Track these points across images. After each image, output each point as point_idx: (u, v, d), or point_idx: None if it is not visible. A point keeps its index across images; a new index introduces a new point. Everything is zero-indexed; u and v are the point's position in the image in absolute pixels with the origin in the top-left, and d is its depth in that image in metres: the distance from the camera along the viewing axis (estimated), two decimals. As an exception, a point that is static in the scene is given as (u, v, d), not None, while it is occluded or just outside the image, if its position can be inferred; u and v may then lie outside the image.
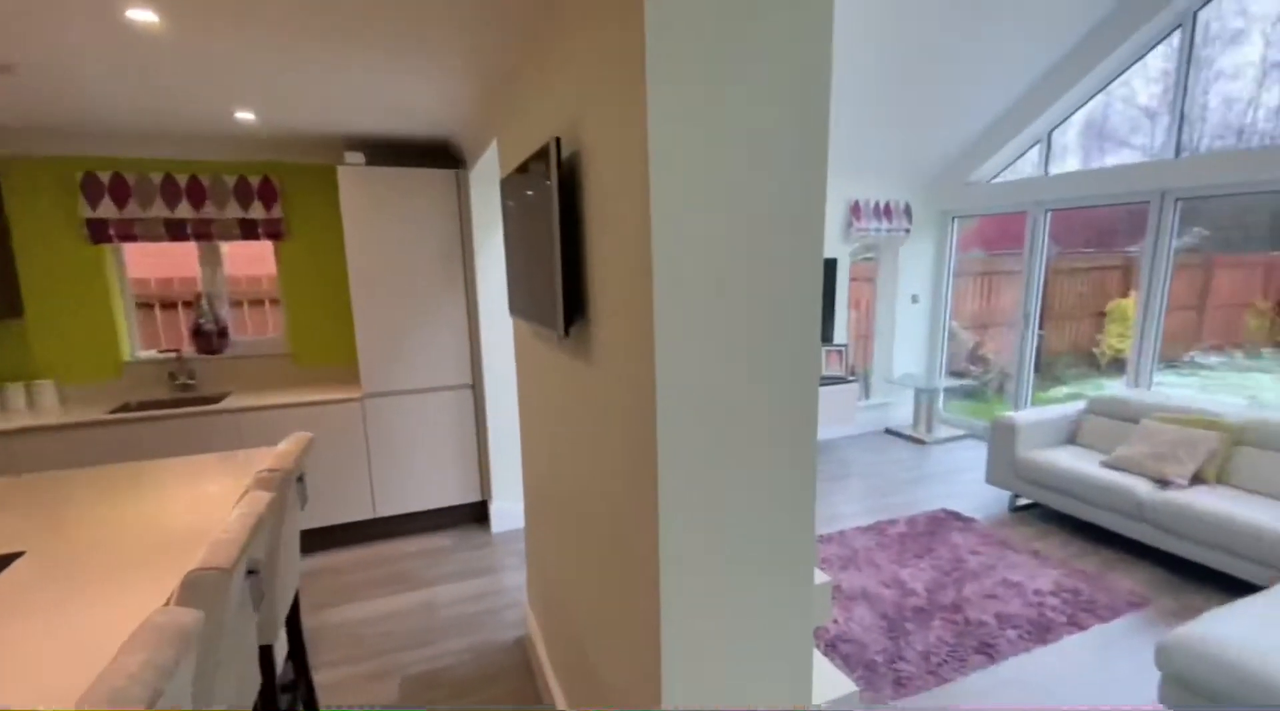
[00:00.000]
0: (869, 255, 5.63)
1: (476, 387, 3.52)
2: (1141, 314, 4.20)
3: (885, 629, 2.64)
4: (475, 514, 3.71)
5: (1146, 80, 4.13)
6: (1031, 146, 4.75)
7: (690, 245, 1.00)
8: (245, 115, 2.72)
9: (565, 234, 1.38)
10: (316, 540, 3.39)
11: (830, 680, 1.54)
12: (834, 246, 5.05)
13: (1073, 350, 5.66)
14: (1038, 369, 5.28)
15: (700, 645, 1.13)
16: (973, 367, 5.93)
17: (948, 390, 5.60)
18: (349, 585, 3.06)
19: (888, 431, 5.55)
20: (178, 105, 2.56)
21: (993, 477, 3.95)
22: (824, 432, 5.32)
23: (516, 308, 1.93)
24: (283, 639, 2.26)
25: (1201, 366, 5.09)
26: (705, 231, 1.01)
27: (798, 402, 1.13)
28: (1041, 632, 2.61)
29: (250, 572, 1.50)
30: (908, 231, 5.25)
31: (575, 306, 1.42)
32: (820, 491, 4.14)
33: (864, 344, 5.79)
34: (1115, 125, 4.37)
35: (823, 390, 4.81)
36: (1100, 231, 5.14)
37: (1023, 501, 3.92)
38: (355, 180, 3.14)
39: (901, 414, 5.67)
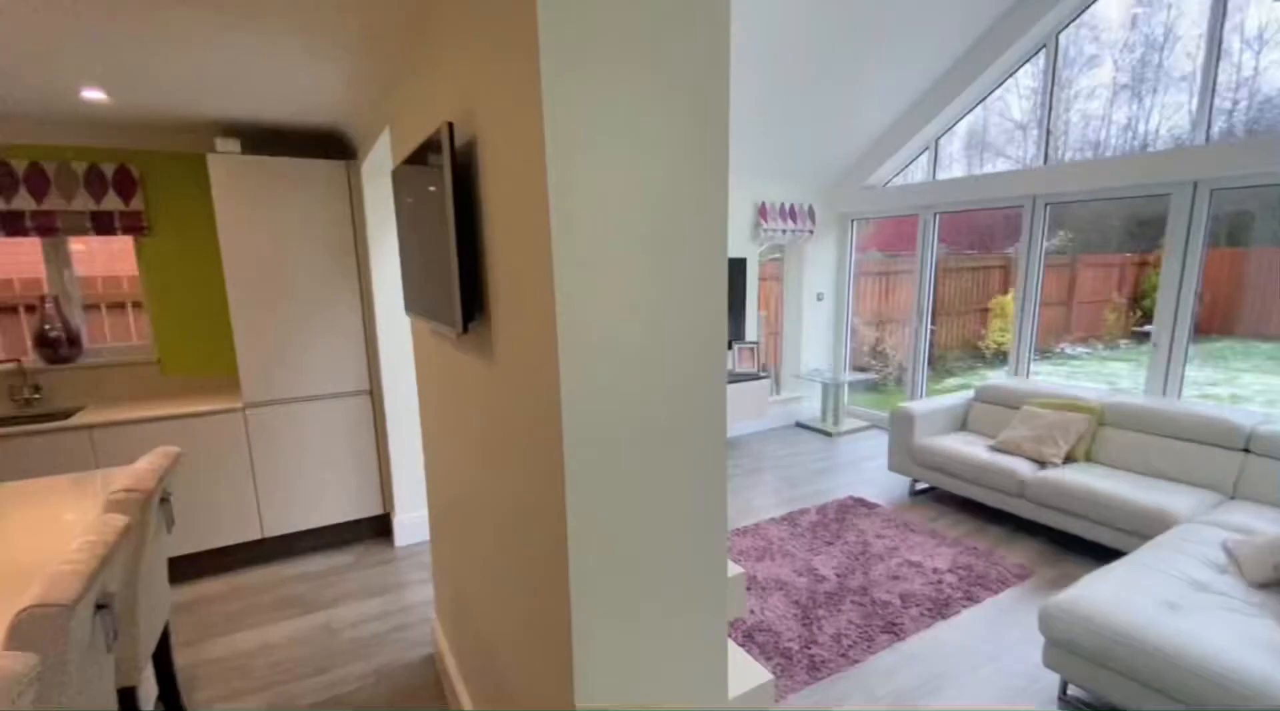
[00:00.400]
0: (776, 255, 5.81)
1: (375, 393, 3.31)
2: (1019, 309, 4.56)
3: (799, 616, 2.70)
4: (378, 528, 3.49)
5: (1019, 97, 4.51)
6: (920, 153, 5.06)
7: (591, 238, 0.96)
8: (94, 94, 2.42)
9: (461, 225, 1.29)
10: (194, 567, 3.07)
11: (746, 670, 1.53)
12: (743, 246, 5.17)
13: (962, 344, 6.10)
14: (931, 362, 5.64)
15: (612, 645, 1.09)
16: (874, 362, 6.26)
17: (852, 384, 5.87)
18: (234, 613, 2.79)
19: (798, 425, 5.74)
20: (8, 79, 2.23)
21: (894, 465, 4.16)
22: (738, 428, 5.43)
23: (413, 306, 1.81)
24: (150, 679, 2.01)
25: (1071, 356, 5.62)
26: (607, 223, 0.96)
27: (706, 399, 1.10)
28: (941, 608, 2.75)
29: (100, 607, 1.31)
30: (811, 232, 5.46)
31: (474, 302, 1.34)
32: (736, 486, 4.25)
33: (774, 341, 5.97)
34: (994, 137, 4.75)
35: (736, 387, 4.92)
36: (983, 234, 5.57)
37: (921, 486, 4.15)
38: (230, 171, 2.86)
39: (810, 408, 5.89)
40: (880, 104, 4.67)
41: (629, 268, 0.99)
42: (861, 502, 3.92)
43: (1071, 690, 2.23)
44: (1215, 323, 4.35)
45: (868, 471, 4.51)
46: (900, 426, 4.07)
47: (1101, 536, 3.10)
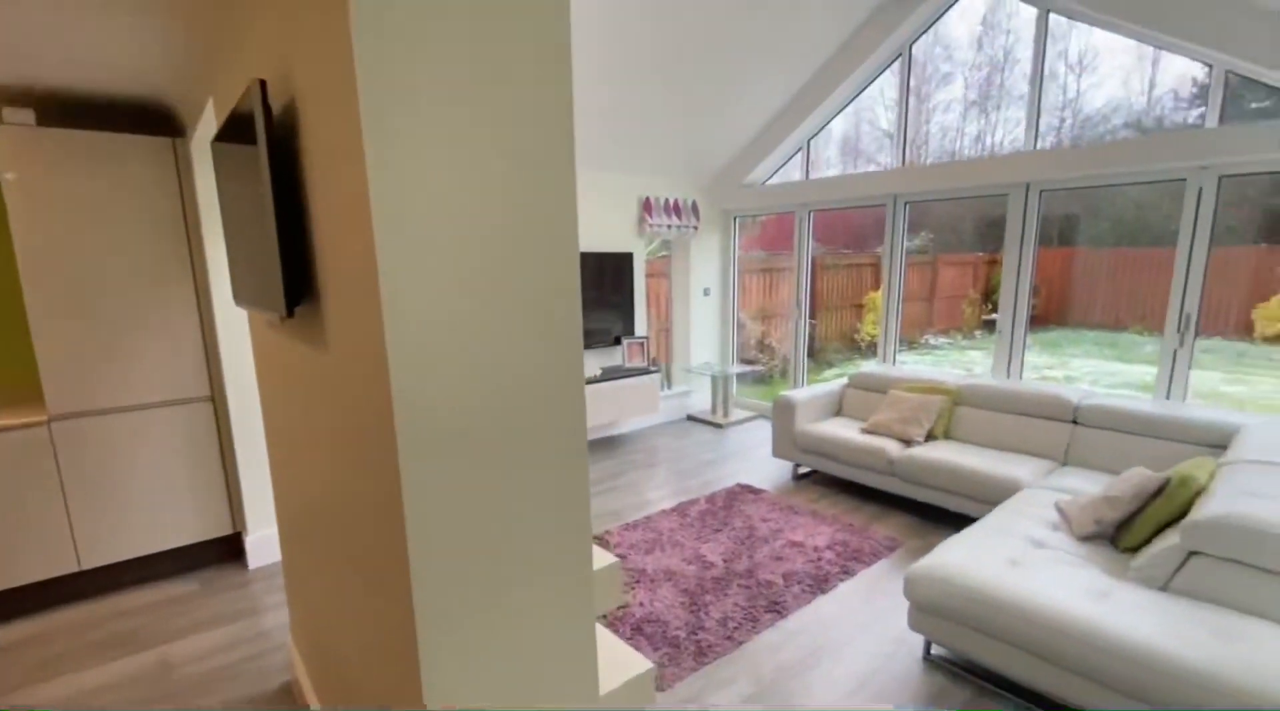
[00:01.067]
0: (665, 252, 5.88)
1: (217, 398, 2.96)
2: (885, 302, 4.88)
3: (687, 604, 2.71)
4: (227, 549, 3.12)
5: (885, 108, 4.83)
6: (795, 153, 5.30)
7: (418, 213, 0.86)
8: None
9: (282, 194, 1.15)
10: (-5, 611, 2.60)
11: (626, 662, 1.49)
12: (629, 241, 5.17)
13: (840, 336, 6.47)
14: (812, 354, 5.92)
15: (466, 648, 1.00)
16: (761, 355, 6.50)
17: (740, 376, 6.05)
18: (52, 657, 2.39)
19: (689, 418, 5.83)
20: None
21: (778, 451, 4.31)
22: (631, 423, 5.43)
23: (241, 293, 1.61)
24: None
25: (934, 347, 6.12)
26: (436, 197, 0.87)
27: (559, 388, 1.04)
28: (820, 583, 2.86)
29: None
30: (696, 228, 5.56)
31: (301, 282, 1.19)
32: (629, 481, 4.24)
33: (665, 336, 6.03)
34: (865, 144, 5.08)
35: (627, 382, 4.92)
36: (857, 235, 5.94)
37: (803, 469, 4.33)
38: (21, 144, 2.43)
39: (701, 400, 6.00)
40: (754, 105, 4.83)
41: (465, 245, 0.91)
42: (749, 489, 4.02)
43: (935, 649, 2.38)
44: (1051, 313, 4.87)
45: (755, 459, 4.65)
46: (782, 414, 4.22)
47: (961, 506, 3.36)
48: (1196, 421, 3.02)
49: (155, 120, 2.88)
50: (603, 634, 1.55)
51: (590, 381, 4.68)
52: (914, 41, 4.43)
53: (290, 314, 1.17)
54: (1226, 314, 3.74)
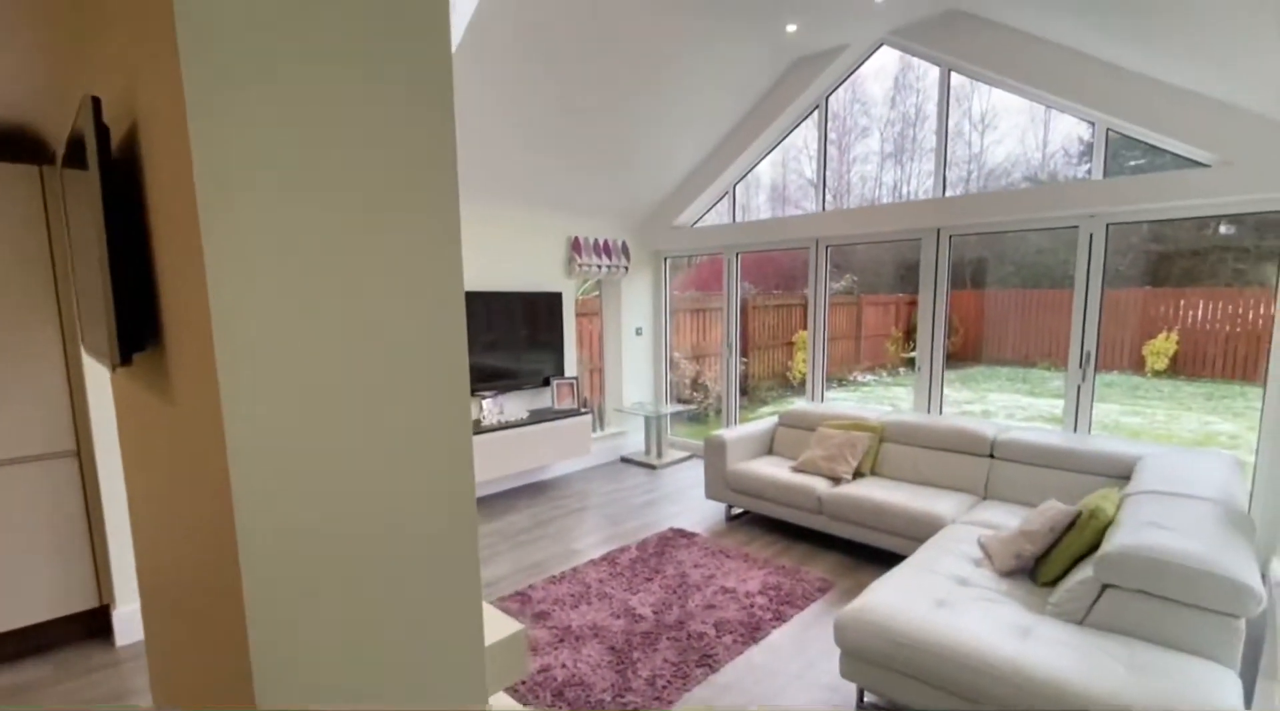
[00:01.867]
0: (597, 292, 5.83)
1: (83, 453, 2.62)
2: (811, 341, 4.97)
3: (614, 662, 2.55)
4: (91, 626, 2.73)
5: (809, 157, 5.04)
6: (721, 198, 5.41)
7: (261, 251, 0.75)
8: None
9: (117, 228, 1.00)
10: None
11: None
12: (557, 280, 5.10)
13: (772, 374, 6.56)
14: (746, 392, 5.95)
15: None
16: (695, 394, 6.48)
17: (674, 415, 6.00)
18: None
19: (623, 459, 5.71)
20: None
21: (711, 492, 4.24)
22: (561, 466, 5.26)
23: (86, 337, 1.42)
24: None
25: (862, 383, 6.28)
26: (285, 225, 0.77)
27: (438, 446, 0.93)
28: (752, 632, 2.76)
29: None
30: (627, 268, 5.56)
31: (140, 326, 1.04)
32: (556, 529, 4.05)
33: (597, 376, 5.93)
34: (792, 191, 5.27)
35: (557, 424, 4.77)
36: (786, 276, 6.10)
37: (736, 510, 4.27)
38: None
39: (635, 441, 5.90)
40: (681, 149, 4.93)
41: (324, 289, 0.80)
42: (681, 533, 3.92)
43: (868, 696, 2.31)
44: (968, 350, 5.09)
45: (688, 501, 4.56)
46: (714, 454, 4.17)
47: (889, 543, 3.36)
48: (1101, 453, 3.16)
49: (20, 145, 2.61)
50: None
51: (517, 425, 4.51)
52: (829, 94, 4.65)
53: (125, 361, 1.01)
54: (1121, 350, 4.00)
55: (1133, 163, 3.54)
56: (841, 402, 5.02)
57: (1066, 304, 3.73)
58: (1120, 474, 3.05)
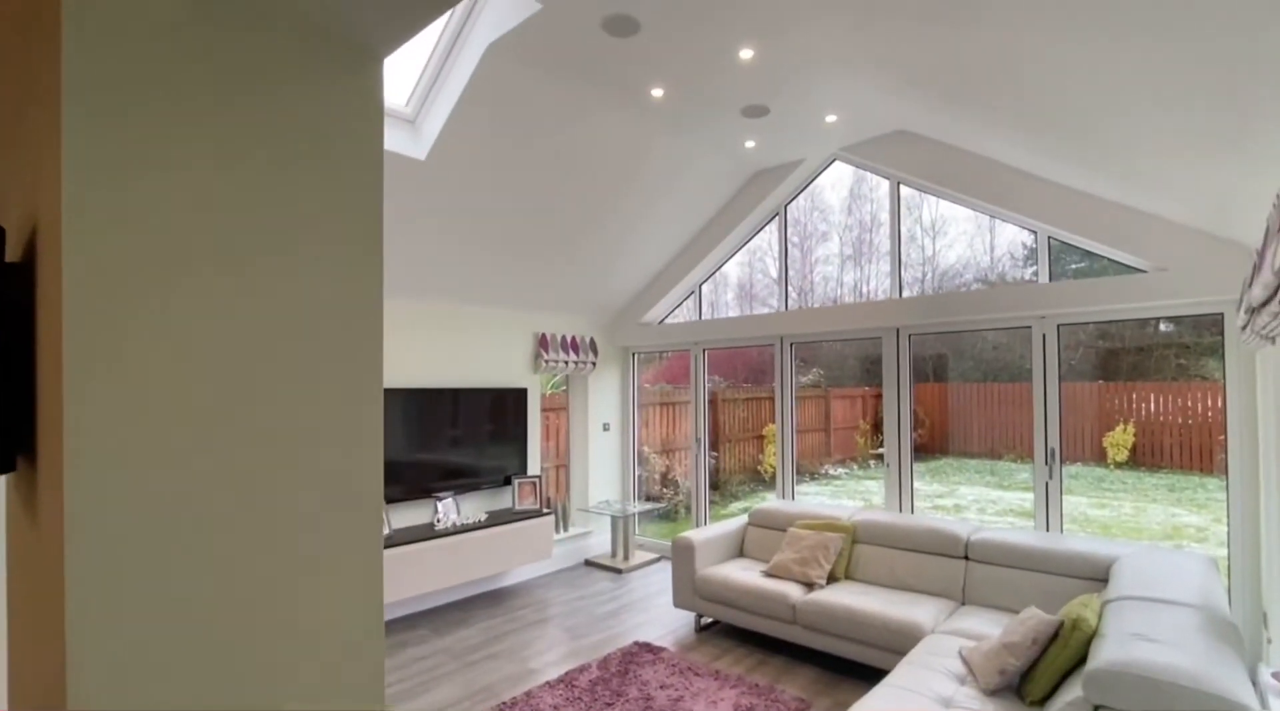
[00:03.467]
0: (564, 386, 5.76)
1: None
2: (779, 435, 4.92)
3: (567, 810, 2.24)
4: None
5: (773, 258, 5.23)
6: (688, 296, 5.53)
7: (140, 349, 0.68)
8: None
9: (7, 330, 0.92)
10: None
11: None
12: (523, 376, 5.03)
13: (743, 468, 6.43)
14: (717, 487, 5.80)
15: None
16: (665, 490, 6.28)
17: (643, 514, 5.77)
18: None
19: (587, 562, 5.41)
20: None
21: (678, 600, 3.98)
22: (521, 572, 4.94)
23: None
24: None
25: (834, 477, 6.19)
26: (156, 321, 0.70)
27: (337, 585, 0.81)
28: (722, 768, 2.49)
29: None
30: (594, 364, 5.53)
31: (14, 435, 0.93)
32: (511, 645, 3.72)
33: (562, 473, 5.74)
34: (759, 290, 5.42)
35: (518, 525, 4.52)
36: (755, 370, 6.14)
37: (706, 620, 4.00)
38: None
39: (601, 542, 5.62)
40: (650, 252, 5.07)
41: (203, 387, 0.72)
42: (647, 648, 3.63)
43: None
44: (935, 443, 5.08)
45: (655, 609, 4.28)
46: (681, 558, 3.96)
47: (867, 656, 3.14)
48: (1078, 554, 3.07)
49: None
50: None
51: (475, 528, 4.27)
52: (789, 203, 4.89)
53: (7, 467, 0.89)
54: (1083, 442, 4.03)
55: (1074, 266, 3.71)
56: (813, 498, 4.91)
57: (1026, 397, 3.77)
58: (1097, 576, 2.95)
